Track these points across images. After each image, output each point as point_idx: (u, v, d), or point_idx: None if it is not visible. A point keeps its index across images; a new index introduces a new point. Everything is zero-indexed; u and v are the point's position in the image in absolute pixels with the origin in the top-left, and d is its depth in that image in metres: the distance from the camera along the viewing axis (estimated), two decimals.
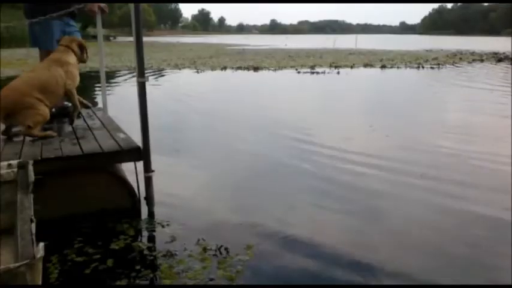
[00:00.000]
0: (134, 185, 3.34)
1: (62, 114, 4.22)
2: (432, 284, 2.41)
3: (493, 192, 3.82)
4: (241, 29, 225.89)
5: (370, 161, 4.71)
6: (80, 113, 4.37)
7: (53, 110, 4.12)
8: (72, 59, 3.84)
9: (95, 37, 5.09)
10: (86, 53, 4.06)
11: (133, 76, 3.45)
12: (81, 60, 4.02)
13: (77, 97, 3.87)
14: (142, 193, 3.35)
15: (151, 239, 2.96)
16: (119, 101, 8.31)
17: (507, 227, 3.09)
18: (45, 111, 3.44)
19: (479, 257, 2.76)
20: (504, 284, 2.40)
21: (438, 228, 3.15)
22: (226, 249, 2.74)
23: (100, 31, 4.65)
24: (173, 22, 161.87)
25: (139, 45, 3.08)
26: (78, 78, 3.91)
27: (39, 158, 2.92)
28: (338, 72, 15.07)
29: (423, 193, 3.79)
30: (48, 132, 3.53)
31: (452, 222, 3.26)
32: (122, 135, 3.53)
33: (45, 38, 4.17)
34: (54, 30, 4.19)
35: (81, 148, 3.16)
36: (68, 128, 3.87)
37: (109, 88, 11.17)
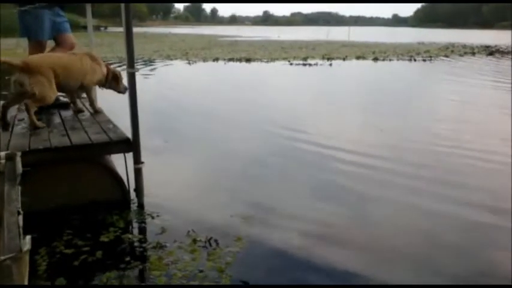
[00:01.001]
0: (124, 177, 3.32)
1: (51, 106, 4.18)
2: (432, 283, 2.40)
3: (484, 193, 3.76)
4: (234, 20, 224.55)
5: (363, 158, 4.69)
6: (69, 103, 4.35)
7: None
8: (103, 68, 3.97)
9: (85, 27, 5.03)
10: (120, 83, 4.12)
11: (124, 67, 3.41)
12: (113, 88, 4.10)
13: (92, 93, 4.03)
14: (132, 185, 3.33)
15: (141, 230, 2.95)
16: (109, 92, 8.24)
17: (492, 230, 3.07)
18: (54, 91, 3.50)
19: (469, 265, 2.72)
20: (504, 284, 2.41)
21: (426, 232, 3.16)
22: (216, 241, 2.74)
23: (90, 21, 4.61)
24: (165, 13, 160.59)
25: (129, 38, 3.05)
26: (98, 77, 3.95)
27: (28, 149, 2.89)
28: (330, 64, 15.07)
29: (414, 194, 3.75)
30: (39, 123, 3.50)
31: (442, 226, 3.24)
32: (111, 127, 3.50)
33: (35, 27, 4.12)
34: (45, 20, 4.14)
35: (70, 139, 3.13)
36: (56, 120, 3.84)
37: None
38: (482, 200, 3.52)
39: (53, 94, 3.51)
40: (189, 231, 2.86)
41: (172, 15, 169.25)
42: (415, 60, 17.27)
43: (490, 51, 23.03)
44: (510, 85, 10.22)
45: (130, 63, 3.09)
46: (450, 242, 2.87)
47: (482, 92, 9.61)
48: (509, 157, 4.58)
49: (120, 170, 3.34)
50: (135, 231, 2.94)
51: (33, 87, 3.34)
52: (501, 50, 24.25)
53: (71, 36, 4.39)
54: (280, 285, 2.39)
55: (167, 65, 14.63)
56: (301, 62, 15.59)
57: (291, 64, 15.02)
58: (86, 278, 2.39)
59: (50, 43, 4.38)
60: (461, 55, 20.36)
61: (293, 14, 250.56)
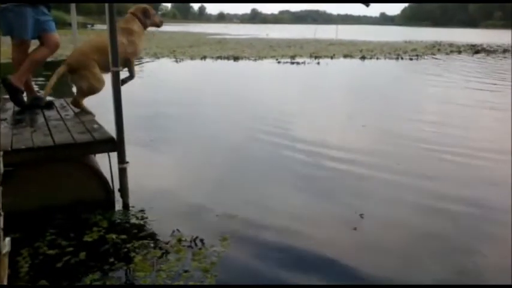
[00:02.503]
0: (108, 177, 3.29)
1: (35, 105, 4.14)
2: (433, 284, 2.40)
3: (465, 188, 3.82)
4: (222, 18, 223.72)
5: (347, 156, 4.69)
6: (53, 103, 4.30)
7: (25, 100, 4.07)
8: (137, 27, 4.03)
9: (71, 24, 4.97)
10: (153, 16, 4.17)
11: None
12: (151, 24, 4.17)
13: (134, 66, 4.06)
14: (117, 185, 3.29)
15: (126, 230, 2.92)
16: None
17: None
18: (99, 80, 3.70)
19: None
20: (504, 284, 2.41)
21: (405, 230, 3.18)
22: (201, 240, 2.73)
23: (74, 18, 4.56)
24: None
25: (113, 37, 3.04)
26: (140, 47, 4.06)
27: (10, 149, 2.85)
28: (318, 63, 15.09)
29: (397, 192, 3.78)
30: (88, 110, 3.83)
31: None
32: (95, 126, 3.46)
33: (19, 26, 4.04)
34: (28, 18, 4.07)
35: (53, 139, 3.09)
36: (40, 119, 3.78)
37: None
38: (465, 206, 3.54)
39: (99, 84, 3.71)
40: (173, 231, 2.84)
41: (159, 12, 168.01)
42: (402, 58, 17.39)
43: (476, 49, 23.26)
44: (497, 85, 10.37)
45: (114, 62, 3.07)
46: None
47: (468, 91, 9.69)
48: (494, 158, 4.63)
49: (106, 170, 3.31)
50: (119, 231, 2.91)
51: (81, 83, 3.65)
52: (486, 49, 24.50)
53: (55, 35, 4.31)
54: (278, 285, 2.37)
55: (155, 63, 14.53)
56: (289, 60, 15.59)
57: (279, 62, 15.02)
58: (69, 280, 2.36)
59: (35, 42, 4.31)
60: (447, 53, 20.56)
61: (281, 12, 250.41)
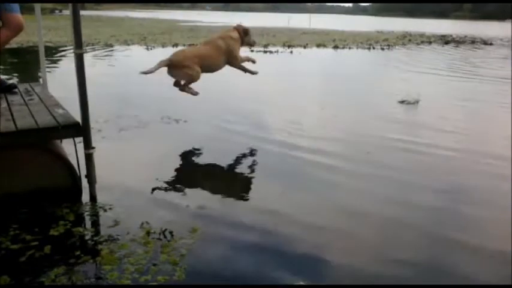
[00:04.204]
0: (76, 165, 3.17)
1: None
2: (433, 284, 2.37)
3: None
4: (194, 5, 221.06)
5: (318, 148, 4.68)
6: (16, 86, 4.14)
7: None
8: (235, 35, 4.87)
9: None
10: (250, 36, 5.05)
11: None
12: (247, 43, 5.05)
13: (239, 62, 4.99)
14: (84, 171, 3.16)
15: (93, 223, 2.83)
16: (64, 76, 7.93)
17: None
18: (196, 74, 4.51)
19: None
20: (504, 284, 2.40)
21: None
22: (170, 232, 2.66)
23: (38, 5, 4.38)
24: None
25: (76, 19, 2.95)
26: (237, 50, 4.91)
27: None
28: (291, 52, 15.04)
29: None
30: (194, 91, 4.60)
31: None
32: (60, 111, 3.32)
33: None
34: None
35: (15, 124, 2.95)
36: (3, 104, 3.61)
37: (55, 63, 10.64)
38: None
39: (196, 76, 4.52)
40: (142, 223, 2.76)
41: None
42: (373, 48, 17.50)
43: (446, 40, 23.65)
44: (466, 77, 10.54)
45: (78, 44, 2.94)
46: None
47: (437, 82, 9.82)
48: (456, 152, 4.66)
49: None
50: (87, 224, 2.81)
51: (181, 77, 4.51)
52: (456, 39, 24.95)
53: (18, 16, 4.08)
54: (275, 285, 2.30)
55: (125, 50, 14.19)
56: (261, 49, 15.46)
57: (252, 51, 14.84)
58: (33, 275, 2.25)
59: None
60: (418, 44, 20.81)
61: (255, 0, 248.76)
